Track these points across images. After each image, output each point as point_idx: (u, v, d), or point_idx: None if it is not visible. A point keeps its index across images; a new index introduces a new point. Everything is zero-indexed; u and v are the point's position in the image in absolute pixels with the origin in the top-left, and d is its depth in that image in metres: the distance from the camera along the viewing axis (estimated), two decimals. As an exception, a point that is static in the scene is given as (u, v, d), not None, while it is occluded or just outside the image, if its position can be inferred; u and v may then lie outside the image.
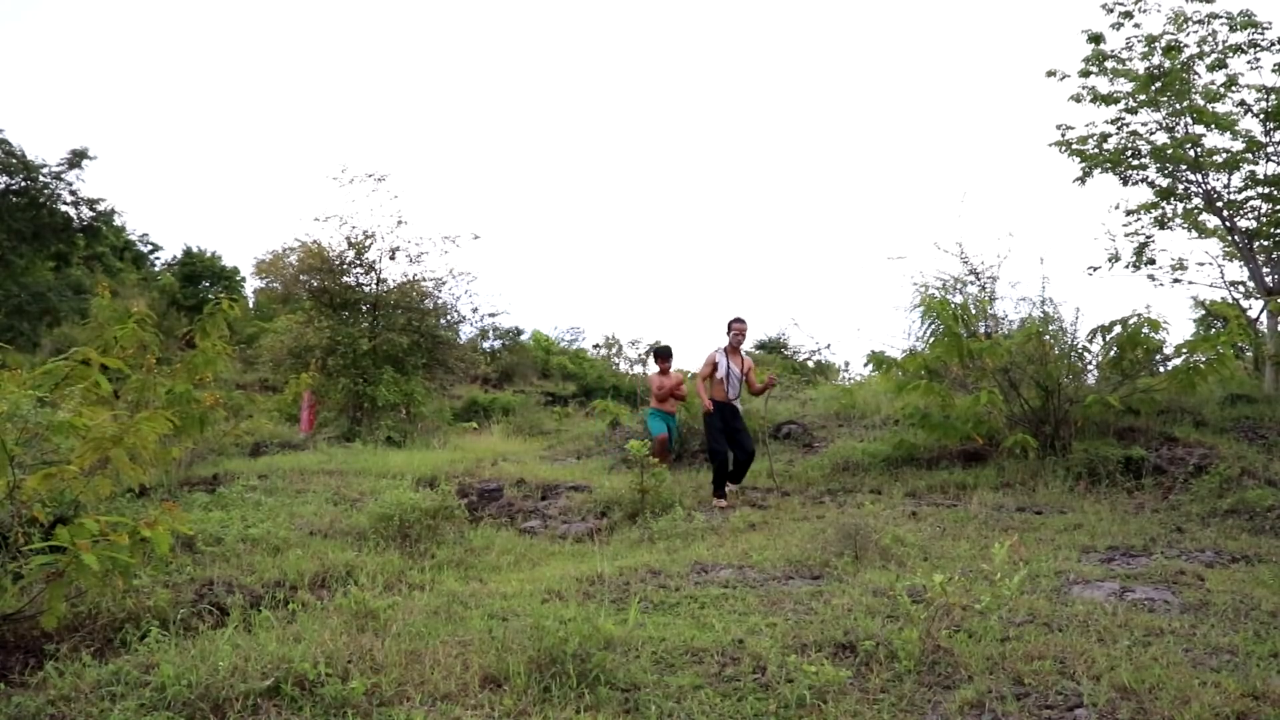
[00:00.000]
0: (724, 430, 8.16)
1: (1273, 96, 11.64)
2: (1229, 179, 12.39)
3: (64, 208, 21.82)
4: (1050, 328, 9.06)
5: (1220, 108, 11.85)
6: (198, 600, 4.51)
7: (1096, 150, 12.86)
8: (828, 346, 15.74)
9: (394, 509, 6.47)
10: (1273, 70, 11.71)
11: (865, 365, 9.97)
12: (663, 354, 9.88)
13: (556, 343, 42.14)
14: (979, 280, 11.20)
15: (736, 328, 8.29)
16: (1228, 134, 11.92)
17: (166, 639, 3.59)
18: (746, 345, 8.92)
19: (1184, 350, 8.52)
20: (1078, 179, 13.26)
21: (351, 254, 17.14)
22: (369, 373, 16.04)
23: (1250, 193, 12.33)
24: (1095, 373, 9.19)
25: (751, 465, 8.36)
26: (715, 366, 8.27)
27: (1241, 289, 14.17)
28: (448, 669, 3.30)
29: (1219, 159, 12.15)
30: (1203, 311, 16.92)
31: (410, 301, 17.22)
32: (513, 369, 32.45)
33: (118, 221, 25.72)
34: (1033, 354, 8.68)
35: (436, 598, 4.65)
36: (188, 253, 34.98)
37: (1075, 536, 5.99)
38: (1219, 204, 12.46)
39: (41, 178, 21.14)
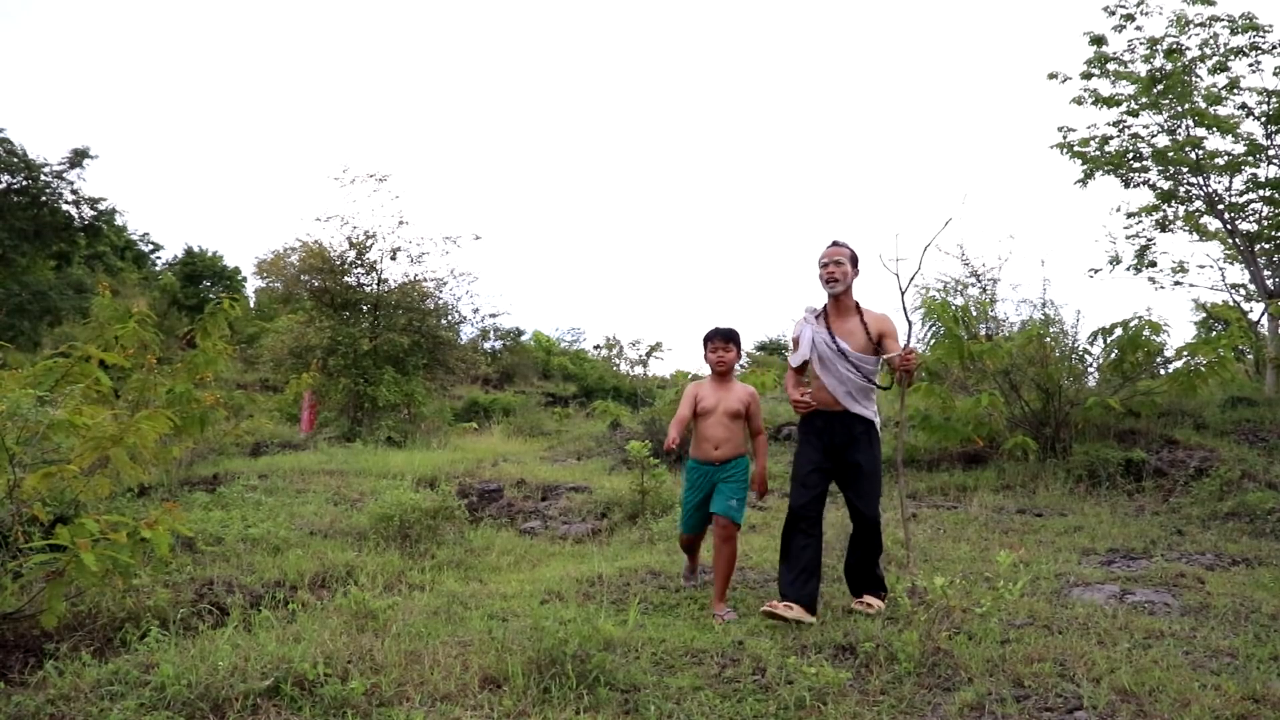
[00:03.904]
0: (820, 466, 4.21)
1: (1274, 99, 11.64)
2: (1230, 182, 12.42)
3: (65, 207, 21.82)
4: (1051, 330, 9.07)
5: (1222, 110, 11.87)
6: (198, 600, 4.51)
7: (1098, 152, 12.88)
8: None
9: (394, 509, 6.47)
10: (1274, 73, 11.74)
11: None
12: (721, 337, 4.65)
13: (557, 343, 42.10)
14: (980, 282, 11.23)
15: (828, 254, 4.28)
16: (1229, 137, 11.95)
17: (166, 639, 3.59)
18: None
19: (1185, 353, 8.53)
20: (1079, 181, 13.28)
21: (353, 254, 17.15)
22: (369, 373, 16.05)
23: (1251, 196, 12.35)
24: (1096, 375, 9.19)
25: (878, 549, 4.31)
26: (797, 342, 4.39)
27: (1242, 292, 14.20)
28: (447, 669, 3.30)
29: (1220, 162, 12.16)
30: (1204, 314, 16.92)
31: (411, 302, 17.22)
32: (513, 369, 32.39)
33: (119, 221, 25.77)
34: (1033, 356, 8.68)
35: (436, 598, 4.65)
36: (189, 252, 34.98)
37: (1075, 539, 5.99)
38: (1220, 207, 12.47)
39: (43, 177, 21.14)
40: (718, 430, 4.50)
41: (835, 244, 4.32)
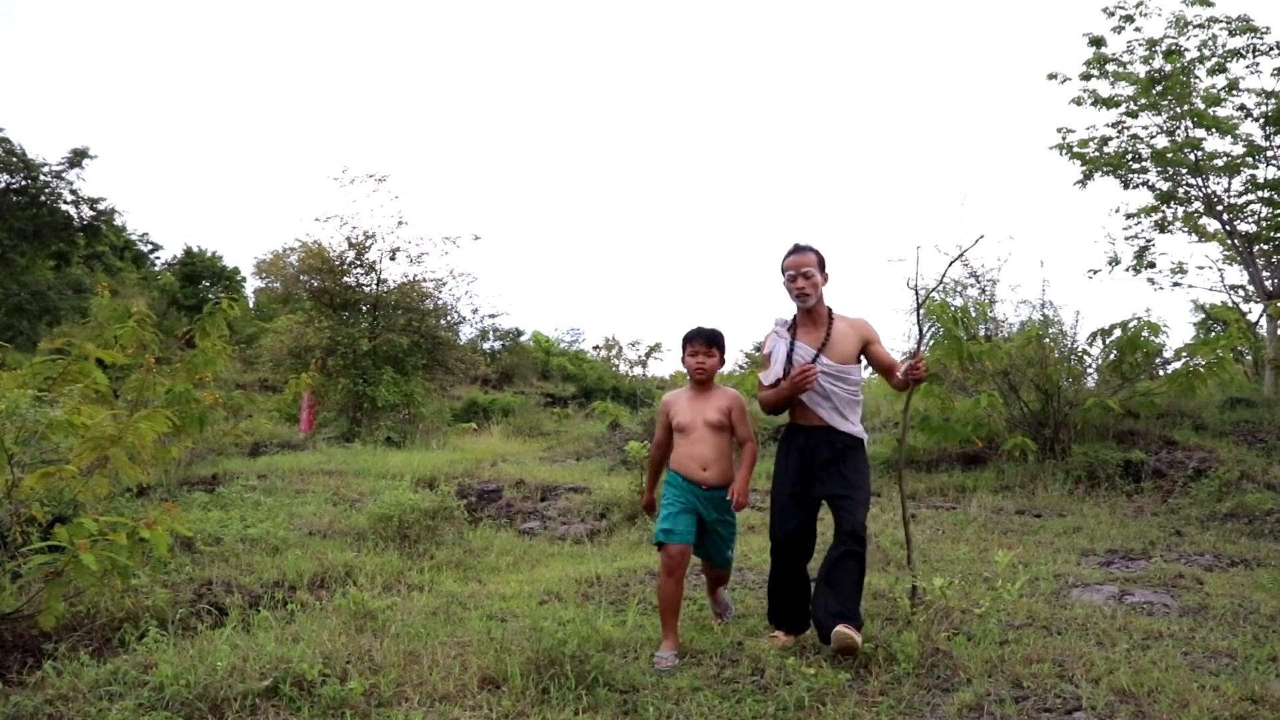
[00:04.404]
0: (797, 492, 3.76)
1: (1272, 100, 11.66)
2: (1229, 183, 12.44)
3: (64, 207, 21.82)
4: (1050, 331, 9.08)
5: (1220, 112, 11.89)
6: (196, 600, 4.51)
7: (1097, 153, 12.88)
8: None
9: (393, 509, 6.46)
10: (1272, 74, 11.76)
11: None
12: (702, 339, 3.98)
13: (556, 344, 42.13)
14: (979, 283, 11.24)
15: (793, 263, 3.81)
16: (1228, 138, 11.97)
17: (165, 639, 3.59)
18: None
19: (1184, 354, 8.54)
20: (1078, 182, 13.29)
21: (352, 254, 17.15)
22: (369, 373, 16.05)
23: (1250, 197, 12.37)
24: (1095, 376, 9.20)
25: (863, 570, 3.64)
26: (768, 359, 3.94)
27: (1241, 293, 14.22)
28: (446, 670, 3.30)
29: (1219, 163, 12.18)
30: (1202, 315, 16.95)
31: (410, 302, 17.23)
32: (512, 370, 32.41)
33: (118, 221, 25.71)
34: (1032, 357, 8.69)
35: (435, 598, 4.65)
36: (188, 252, 34.99)
37: (1074, 539, 5.99)
38: (1219, 208, 12.48)
39: (42, 177, 21.14)
40: (702, 448, 3.85)
41: (799, 249, 3.82)
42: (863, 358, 3.90)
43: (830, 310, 3.88)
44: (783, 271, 3.85)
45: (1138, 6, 12.16)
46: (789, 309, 3.93)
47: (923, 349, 4.01)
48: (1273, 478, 7.29)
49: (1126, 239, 14.12)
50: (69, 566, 3.53)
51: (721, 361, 4.02)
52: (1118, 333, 8.47)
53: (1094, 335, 8.71)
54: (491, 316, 20.22)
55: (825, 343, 3.79)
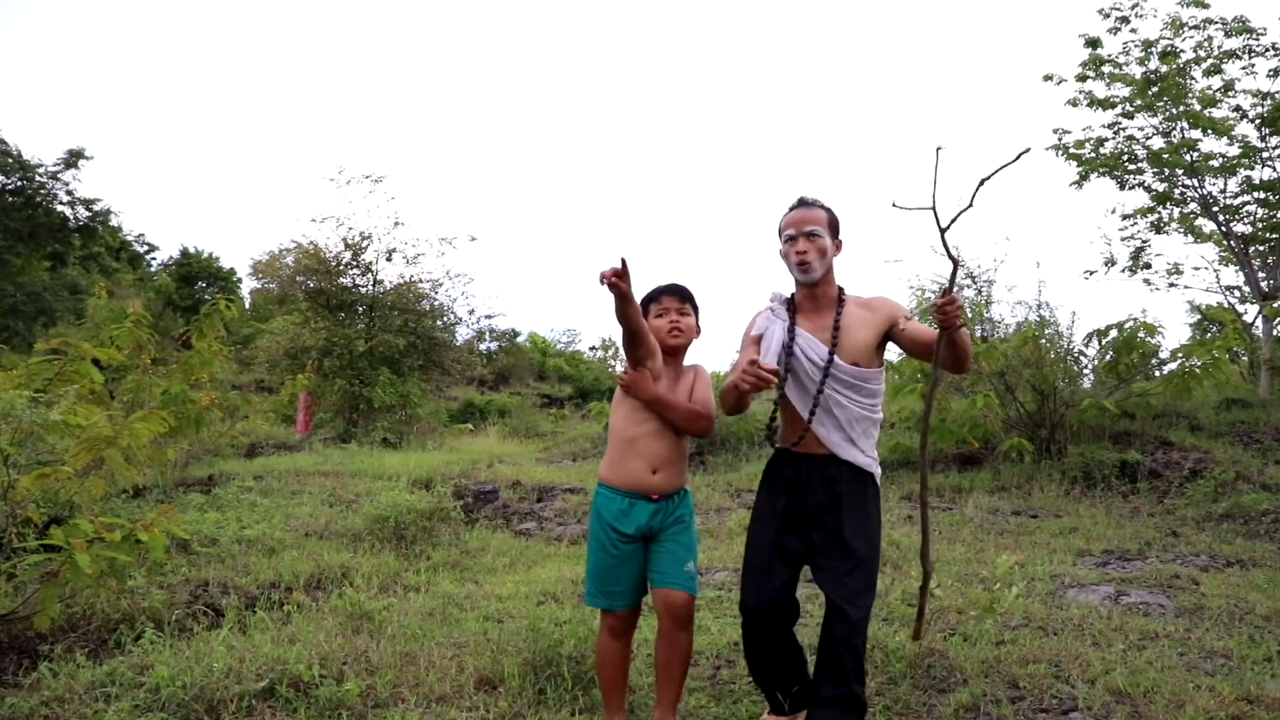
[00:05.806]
0: (778, 543, 2.74)
1: (1268, 102, 11.70)
2: (1225, 184, 12.48)
3: (60, 207, 21.79)
4: (1046, 332, 9.09)
5: (1216, 113, 11.93)
6: (192, 601, 4.49)
7: (1093, 154, 12.92)
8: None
9: (390, 510, 6.45)
10: (1268, 75, 11.79)
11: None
12: (673, 294, 2.96)
13: (553, 345, 42.08)
14: (976, 284, 11.25)
15: (795, 220, 2.76)
16: (1224, 139, 12.01)
17: (161, 640, 3.58)
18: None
19: (1179, 355, 8.56)
20: (1074, 183, 13.33)
21: (348, 255, 17.12)
22: (365, 374, 16.02)
23: (1246, 198, 12.41)
24: (1091, 377, 9.22)
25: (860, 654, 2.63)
26: (757, 343, 2.81)
27: (1237, 294, 14.26)
28: (443, 671, 3.30)
29: (1215, 164, 12.21)
30: (1198, 316, 16.98)
31: (407, 303, 17.20)
32: (509, 371, 32.35)
33: (114, 222, 25.66)
34: (1029, 358, 8.70)
35: (432, 599, 4.64)
36: (184, 253, 34.92)
37: (1071, 540, 6.00)
38: (1215, 209, 12.52)
39: (38, 177, 21.09)
40: (657, 444, 2.86)
41: (804, 203, 2.81)
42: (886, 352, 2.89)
43: (842, 290, 2.83)
44: (780, 234, 2.82)
45: (1133, 8, 12.20)
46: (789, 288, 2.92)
47: (955, 290, 2.80)
48: (1268, 478, 7.31)
49: (1123, 240, 14.18)
50: (65, 567, 3.52)
51: (697, 328, 3.00)
52: (1114, 334, 8.48)
53: (1090, 336, 8.73)
54: (488, 317, 20.18)
55: (836, 336, 2.73)
